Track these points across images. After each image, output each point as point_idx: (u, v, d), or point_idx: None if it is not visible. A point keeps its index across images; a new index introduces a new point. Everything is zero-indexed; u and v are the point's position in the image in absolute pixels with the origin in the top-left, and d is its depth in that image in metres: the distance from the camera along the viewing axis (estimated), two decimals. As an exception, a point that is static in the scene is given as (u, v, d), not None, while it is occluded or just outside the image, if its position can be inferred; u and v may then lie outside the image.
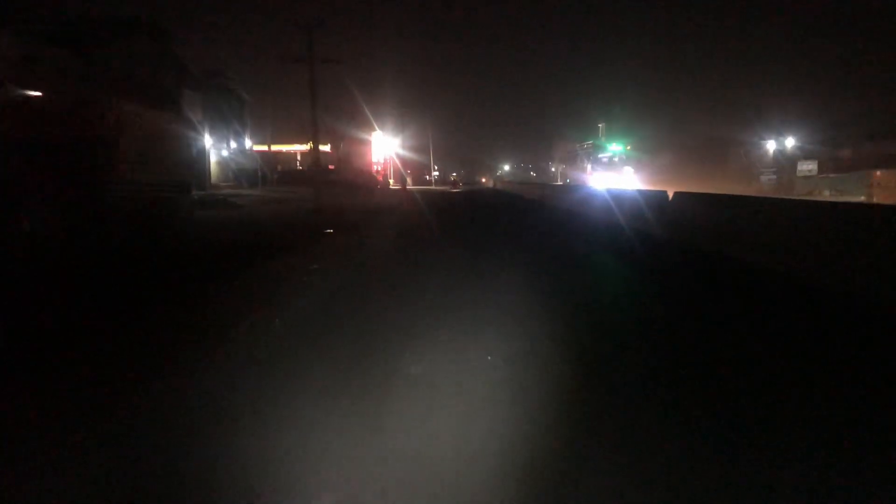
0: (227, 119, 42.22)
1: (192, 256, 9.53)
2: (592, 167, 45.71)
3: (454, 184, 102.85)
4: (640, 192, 14.18)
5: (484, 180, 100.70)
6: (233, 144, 43.04)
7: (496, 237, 12.80)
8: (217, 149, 41.08)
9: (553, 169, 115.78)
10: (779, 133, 44.90)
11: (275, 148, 77.52)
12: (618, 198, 15.28)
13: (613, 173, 42.69)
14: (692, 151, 61.07)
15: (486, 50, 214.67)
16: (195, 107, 38.56)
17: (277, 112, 71.20)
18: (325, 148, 77.66)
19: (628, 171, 43.79)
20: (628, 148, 46.81)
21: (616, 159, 45.23)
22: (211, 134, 39.21)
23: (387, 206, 26.69)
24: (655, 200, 12.44)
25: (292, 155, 79.70)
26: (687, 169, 51.49)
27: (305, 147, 78.56)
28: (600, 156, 46.59)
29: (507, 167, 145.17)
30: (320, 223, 16.03)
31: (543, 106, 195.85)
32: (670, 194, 11.76)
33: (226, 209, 20.63)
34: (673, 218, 11.32)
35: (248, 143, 46.09)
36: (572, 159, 55.40)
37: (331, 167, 61.67)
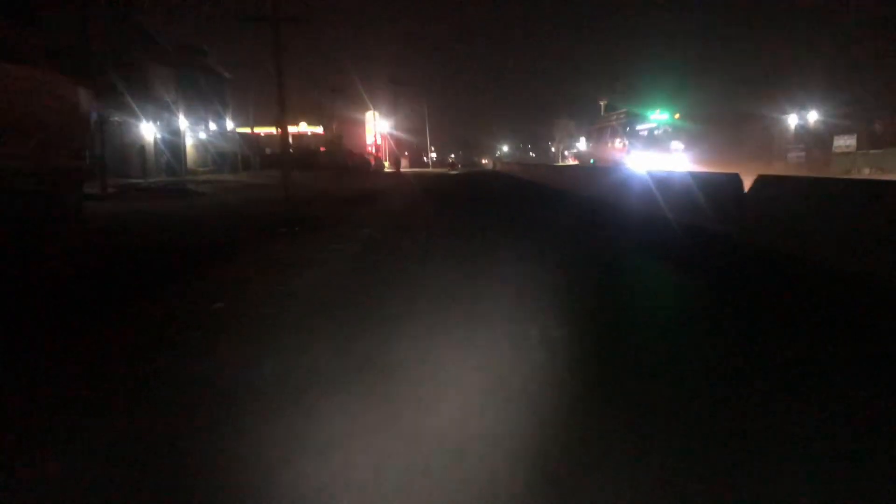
0: (207, 99, 38.65)
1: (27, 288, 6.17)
2: (628, 143, 35.39)
3: (452, 165, 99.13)
4: (696, 174, 10.73)
5: (485, 161, 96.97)
6: (212, 126, 39.47)
7: (512, 248, 9.39)
8: (194, 131, 37.53)
9: (553, 149, 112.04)
10: (801, 107, 41.29)
11: (265, 130, 74.00)
12: (664, 183, 11.78)
13: (658, 151, 33.19)
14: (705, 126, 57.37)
15: (485, 26, 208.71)
16: (168, 84, 34.98)
17: (264, 91, 67.12)
18: (317, 129, 74.04)
19: (677, 147, 33.69)
20: (677, 117, 35.16)
21: (661, 132, 34.56)
22: (187, 115, 35.68)
23: (373, 193, 23.28)
24: (725, 188, 9.02)
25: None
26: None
27: (300, 129, 75.12)
28: (639, 128, 35.87)
29: (505, 148, 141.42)
30: (282, 218, 12.65)
31: (544, 84, 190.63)
32: (746, 180, 8.38)
33: (172, 200, 17.20)
34: (758, 212, 7.94)
35: (229, 124, 42.51)
36: (598, 134, 44.68)
37: (322, 149, 58.16)
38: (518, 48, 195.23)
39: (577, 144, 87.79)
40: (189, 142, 36.90)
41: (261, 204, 16.52)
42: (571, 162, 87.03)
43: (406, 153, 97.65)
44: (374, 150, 77.76)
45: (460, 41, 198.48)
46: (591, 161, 38.70)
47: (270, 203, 16.86)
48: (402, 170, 63.21)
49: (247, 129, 74.36)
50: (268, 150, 58.85)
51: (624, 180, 15.07)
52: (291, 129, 75.56)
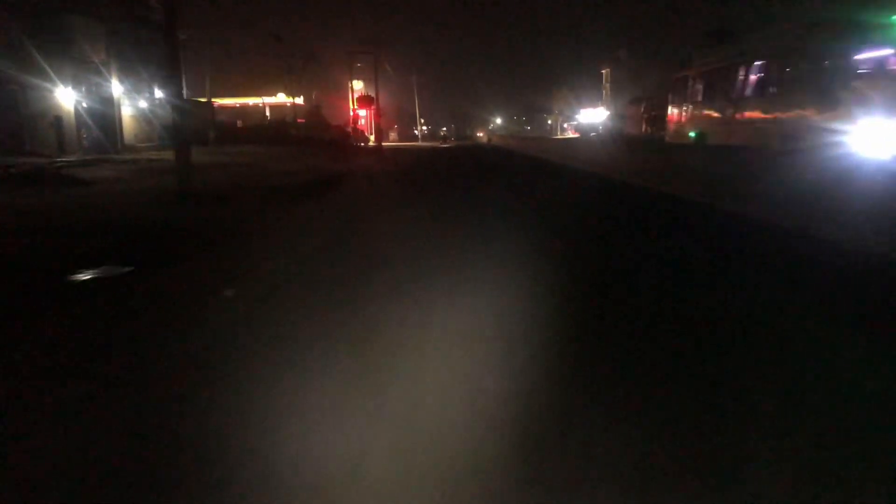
0: (152, 61, 32.14)
1: None
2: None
3: (444, 139, 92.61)
4: None
5: (480, 135, 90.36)
6: (160, 94, 32.92)
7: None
8: (133, 99, 31.04)
9: (550, 122, 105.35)
10: None
11: (234, 101, 67.20)
12: None
13: None
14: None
15: None
16: (96, 41, 28.43)
17: (232, 56, 59.94)
18: (297, 100, 67.26)
19: None
20: None
21: None
22: (123, 79, 29.21)
23: (338, 177, 17.25)
24: None
25: (259, 109, 69.22)
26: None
27: (277, 100, 68.22)
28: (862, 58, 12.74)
29: (499, 121, 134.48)
30: (136, 235, 6.63)
31: (540, 54, 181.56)
32: None
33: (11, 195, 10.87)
34: None
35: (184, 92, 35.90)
36: (724, 82, 17.45)
37: (300, 120, 51.59)
38: (512, 15, 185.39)
39: (577, 116, 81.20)
40: (127, 112, 30.46)
41: (151, 205, 10.42)
42: (571, 134, 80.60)
43: (395, 126, 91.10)
44: (361, 123, 71.26)
45: (451, 9, 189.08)
46: (693, 135, 18.60)
47: (153, 200, 10.76)
48: (387, 144, 56.90)
49: (221, 99, 67.64)
50: (239, 123, 52.21)
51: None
52: (269, 99, 68.99)
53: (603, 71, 77.93)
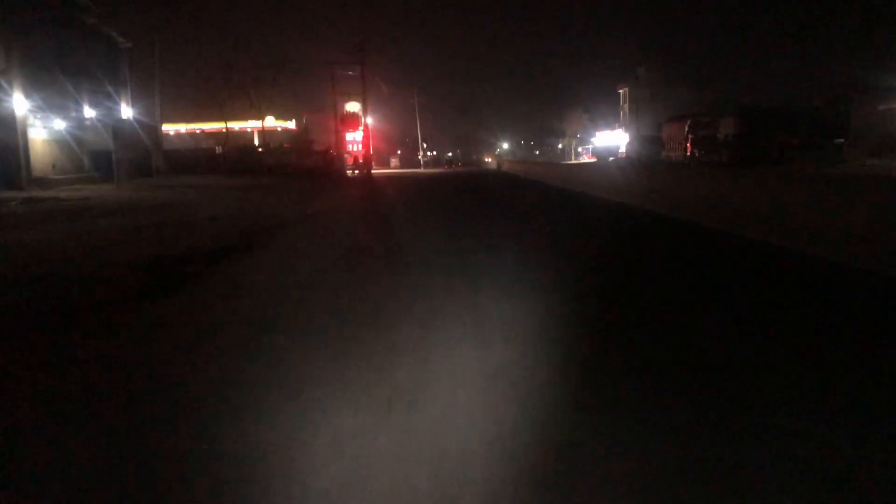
0: (83, 73, 25.47)
1: None
2: None
3: (450, 164, 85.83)
4: None
5: (489, 160, 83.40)
6: (90, 114, 26.09)
7: None
8: (47, 119, 24.15)
9: (561, 146, 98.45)
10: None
11: (215, 126, 60.63)
12: None
13: None
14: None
15: (484, 12, 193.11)
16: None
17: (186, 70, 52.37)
18: (288, 124, 60.65)
19: None
20: None
21: None
22: (32, 93, 22.41)
23: (272, 228, 10.20)
24: None
25: (247, 134, 62.55)
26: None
27: (262, 124, 61.58)
28: None
29: (505, 145, 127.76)
30: None
31: (551, 75, 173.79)
32: None
33: None
34: None
35: (127, 112, 29.08)
36: None
37: (286, 146, 44.85)
38: (520, 35, 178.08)
39: (593, 139, 74.27)
40: (39, 135, 23.64)
41: None
42: (586, 159, 73.67)
43: (398, 151, 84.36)
44: (357, 149, 64.57)
45: (456, 29, 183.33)
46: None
47: None
48: (385, 171, 50.11)
49: (198, 124, 61.03)
50: (219, 148, 45.11)
51: None
52: (255, 124, 62.35)
53: (620, 90, 71.24)
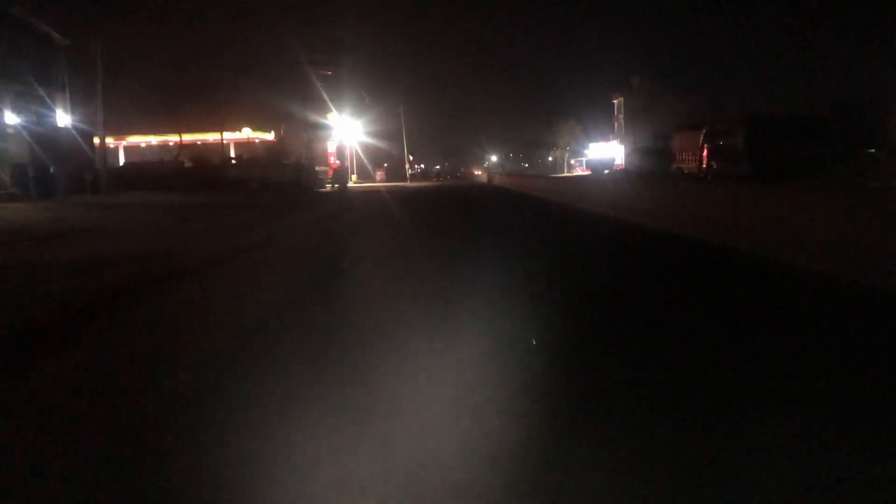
0: (7, 74, 21.58)
1: None
2: None
3: (438, 176, 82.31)
4: None
5: (478, 173, 79.79)
6: (11, 120, 22.08)
7: None
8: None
9: (551, 158, 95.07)
10: None
11: (191, 138, 56.81)
12: None
13: None
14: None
15: (471, 21, 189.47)
16: None
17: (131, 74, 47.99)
18: (267, 136, 56.77)
19: None
20: None
21: None
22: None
23: (182, 270, 6.31)
24: None
25: (223, 147, 58.46)
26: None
27: (238, 136, 57.69)
28: None
29: (494, 158, 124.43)
30: None
31: (541, 86, 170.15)
32: None
33: None
34: None
35: (64, 119, 25.03)
36: None
37: (233, 159, 40.96)
38: (508, 45, 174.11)
39: (586, 151, 70.94)
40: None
41: None
42: (579, 172, 70.25)
43: (385, 164, 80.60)
44: (336, 161, 60.68)
45: (442, 39, 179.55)
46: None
47: None
48: (374, 183, 46.50)
49: (142, 138, 56.84)
50: (187, 163, 40.99)
51: None
52: (231, 136, 58.47)
53: (615, 100, 68.01)
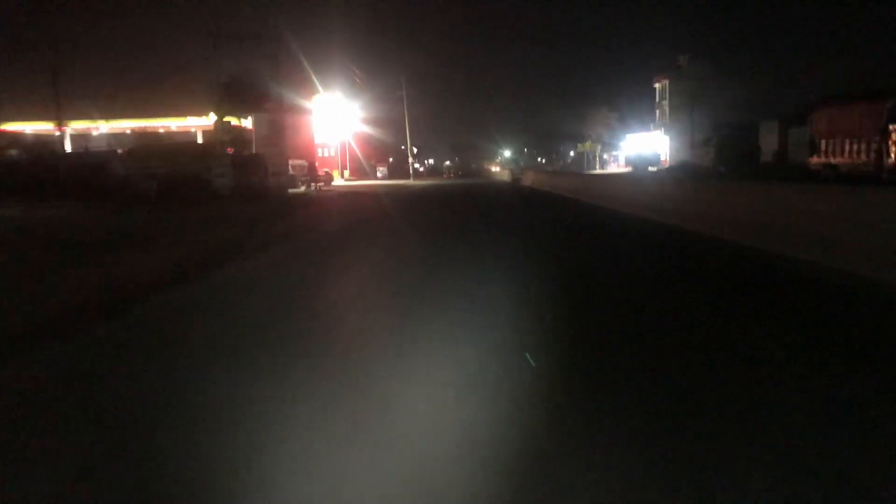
0: None
1: None
2: None
3: (448, 172, 71.59)
4: None
5: (496, 169, 68.59)
6: None
7: None
8: None
9: (573, 153, 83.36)
10: None
11: (150, 123, 46.09)
12: None
13: None
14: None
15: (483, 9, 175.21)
16: None
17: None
18: (245, 122, 45.71)
19: None
20: None
21: None
22: None
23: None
24: None
25: (186, 134, 47.57)
26: None
27: (206, 121, 46.58)
28: None
29: (507, 153, 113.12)
30: None
31: (562, 68, 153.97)
32: None
33: None
34: None
35: None
36: None
37: (121, 152, 29.33)
38: (529, 19, 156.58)
39: (622, 144, 59.44)
40: None
41: None
42: (616, 169, 58.88)
43: (390, 159, 69.39)
44: (322, 154, 49.58)
45: (450, 14, 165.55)
46: None
47: None
48: (374, 181, 35.86)
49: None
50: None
51: None
52: (196, 121, 47.50)
53: (657, 84, 56.50)
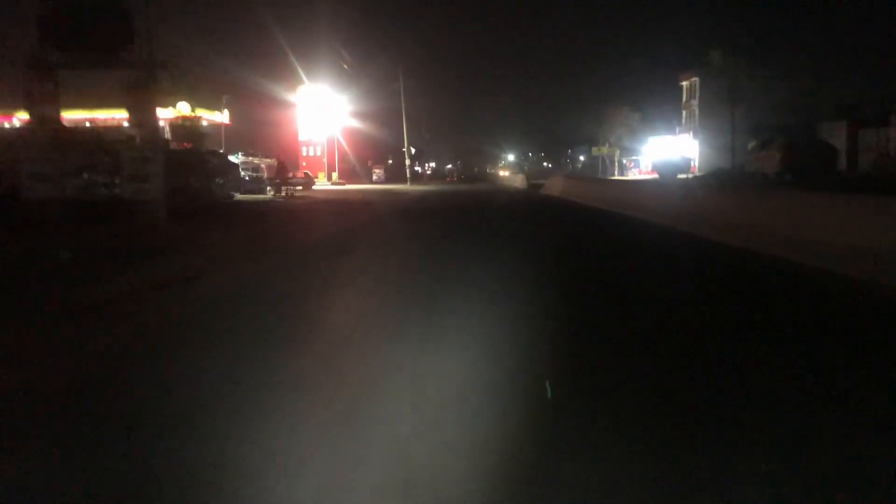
0: None
1: None
2: None
3: (451, 176, 65.37)
4: None
5: (505, 174, 62.11)
6: None
7: None
8: None
9: (583, 158, 76.78)
10: None
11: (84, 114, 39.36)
12: None
13: None
14: None
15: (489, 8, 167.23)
16: None
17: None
18: (216, 116, 39.32)
19: None
20: None
21: None
22: None
23: None
24: None
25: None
26: None
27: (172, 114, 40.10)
28: None
29: (511, 157, 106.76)
30: None
31: (576, 61, 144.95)
32: None
33: None
34: None
35: None
36: None
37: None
38: (532, 25, 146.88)
39: (643, 149, 52.86)
40: None
41: None
42: (638, 175, 52.41)
43: (389, 161, 62.79)
44: (307, 153, 43.04)
45: (456, 18, 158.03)
46: None
47: None
48: (369, 185, 29.49)
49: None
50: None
51: None
52: (163, 114, 40.98)
53: (684, 82, 49.97)
